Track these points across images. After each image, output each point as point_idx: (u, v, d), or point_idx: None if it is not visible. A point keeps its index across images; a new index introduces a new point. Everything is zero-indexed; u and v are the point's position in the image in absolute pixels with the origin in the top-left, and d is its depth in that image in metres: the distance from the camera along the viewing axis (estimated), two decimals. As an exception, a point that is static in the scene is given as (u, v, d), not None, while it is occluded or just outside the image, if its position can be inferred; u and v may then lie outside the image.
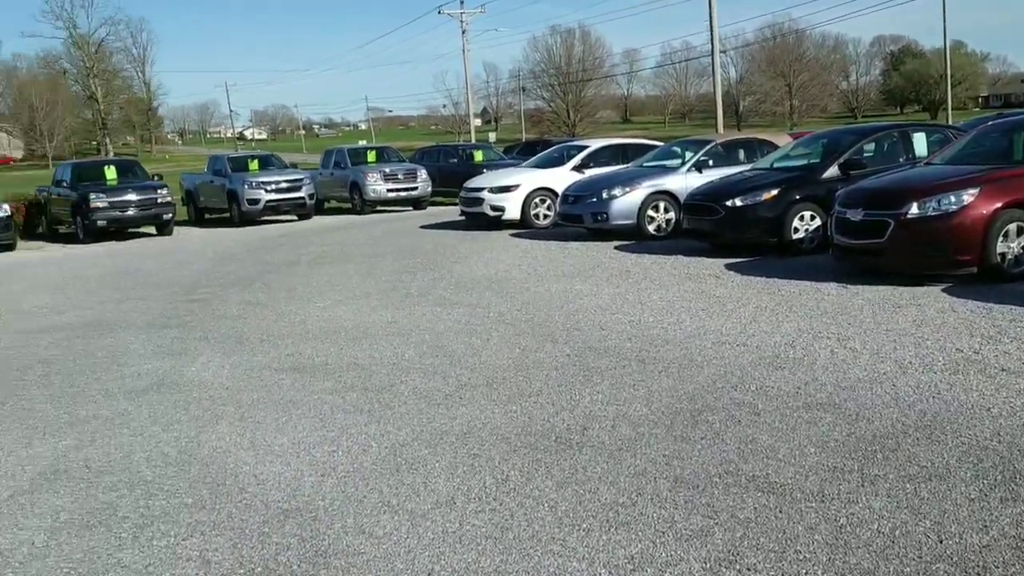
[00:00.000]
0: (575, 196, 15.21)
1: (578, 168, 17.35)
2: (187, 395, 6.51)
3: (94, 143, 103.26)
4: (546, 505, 4.14)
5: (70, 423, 5.96)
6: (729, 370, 6.29)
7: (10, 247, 21.21)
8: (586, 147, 18.50)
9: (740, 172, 13.17)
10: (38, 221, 24.73)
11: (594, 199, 14.67)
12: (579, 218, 15.06)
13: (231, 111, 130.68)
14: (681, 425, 5.17)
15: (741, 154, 15.17)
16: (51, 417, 6.14)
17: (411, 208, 25.33)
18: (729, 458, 4.57)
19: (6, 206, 21.63)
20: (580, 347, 7.31)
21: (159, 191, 21.86)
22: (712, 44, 34.98)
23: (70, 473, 4.93)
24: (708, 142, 15.46)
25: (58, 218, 23.62)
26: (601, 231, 14.71)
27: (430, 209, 25.00)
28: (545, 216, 17.36)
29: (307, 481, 4.60)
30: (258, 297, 11.00)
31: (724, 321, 7.94)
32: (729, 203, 11.77)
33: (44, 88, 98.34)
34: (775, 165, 12.91)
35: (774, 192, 11.60)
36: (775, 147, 14.71)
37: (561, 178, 17.03)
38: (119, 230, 21.77)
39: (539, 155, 20.20)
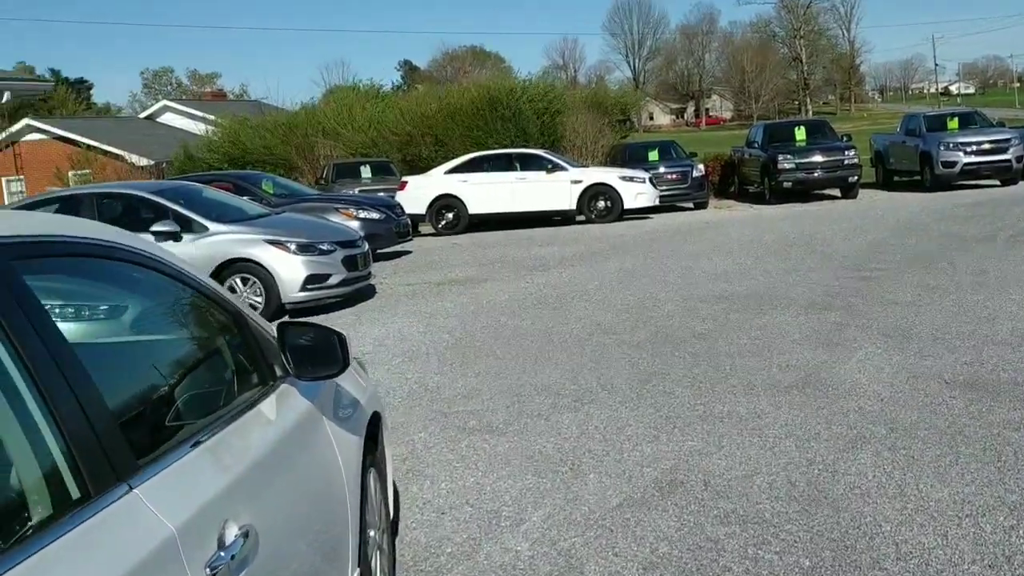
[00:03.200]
0: None
1: None
2: (833, 402, 5.57)
3: (795, 103, 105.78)
4: None
5: (703, 417, 5.46)
6: None
7: (703, 205, 22.44)
8: None
9: None
10: (731, 180, 25.65)
11: None
12: None
13: (936, 65, 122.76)
14: None
15: None
16: (686, 407, 5.70)
17: None
18: None
19: (701, 166, 22.94)
20: None
21: (846, 152, 21.11)
22: None
23: (686, 487, 4.37)
24: None
25: (748, 178, 24.17)
26: None
27: None
28: None
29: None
30: (939, 281, 9.48)
31: None
32: None
33: (755, 52, 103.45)
34: None
35: None
36: None
37: None
38: (804, 191, 21.48)
39: None
